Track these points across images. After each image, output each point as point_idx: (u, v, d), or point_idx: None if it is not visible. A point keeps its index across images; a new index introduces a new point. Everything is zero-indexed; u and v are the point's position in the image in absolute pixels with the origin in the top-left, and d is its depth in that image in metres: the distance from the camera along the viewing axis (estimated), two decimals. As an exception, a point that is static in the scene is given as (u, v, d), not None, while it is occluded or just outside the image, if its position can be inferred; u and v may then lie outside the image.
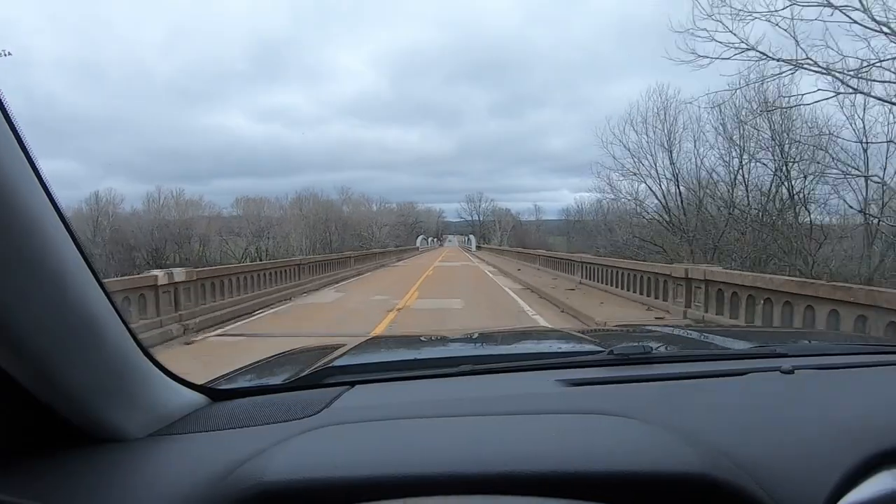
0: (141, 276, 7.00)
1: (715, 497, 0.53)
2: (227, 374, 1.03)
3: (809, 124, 12.37)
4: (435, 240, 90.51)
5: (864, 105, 10.99)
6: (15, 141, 0.48)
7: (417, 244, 60.39)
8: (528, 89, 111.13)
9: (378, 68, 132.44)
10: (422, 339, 1.38)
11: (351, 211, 54.16)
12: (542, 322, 7.84)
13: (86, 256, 0.56)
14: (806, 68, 8.60)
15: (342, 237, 45.21)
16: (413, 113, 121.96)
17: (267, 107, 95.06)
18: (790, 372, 0.82)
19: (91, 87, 59.53)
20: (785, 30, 8.37)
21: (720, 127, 14.99)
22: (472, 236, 64.66)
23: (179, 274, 7.28)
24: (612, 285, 10.59)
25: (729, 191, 15.46)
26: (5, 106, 0.47)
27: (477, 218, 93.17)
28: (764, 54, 8.91)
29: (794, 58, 8.57)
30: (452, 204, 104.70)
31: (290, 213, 47.00)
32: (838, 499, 0.55)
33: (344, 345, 1.18)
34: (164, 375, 0.72)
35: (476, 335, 1.38)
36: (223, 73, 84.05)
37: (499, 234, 60.87)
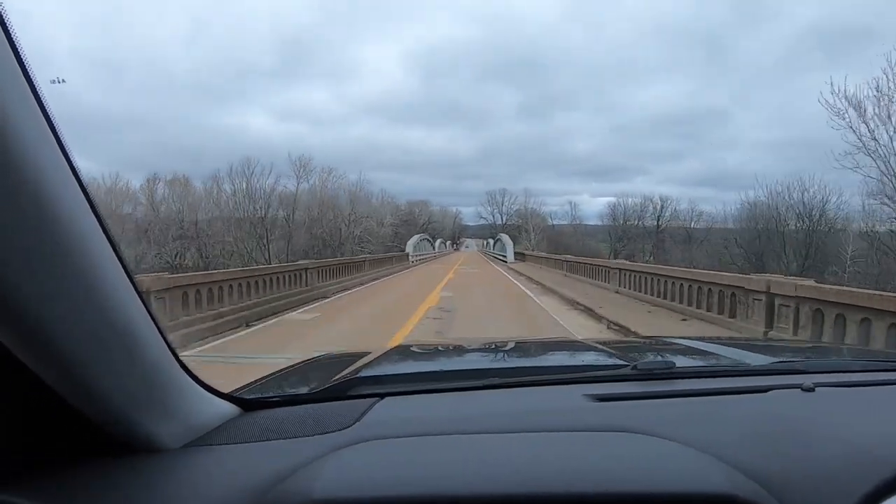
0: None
1: None
2: (255, 382, 1.04)
3: None
4: (450, 244, 78.81)
5: None
6: (57, 145, 0.47)
7: (409, 250, 36.24)
8: (557, 90, 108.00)
9: (407, 65, 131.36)
10: (449, 348, 1.43)
11: (330, 203, 38.49)
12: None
13: (123, 261, 0.56)
14: None
15: (291, 240, 33.62)
16: (439, 113, 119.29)
17: (289, 105, 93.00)
18: (811, 390, 0.82)
19: (109, 82, 59.30)
20: None
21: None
22: (505, 238, 42.30)
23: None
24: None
25: None
26: (42, 100, 0.46)
27: (499, 219, 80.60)
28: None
29: None
30: (470, 207, 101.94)
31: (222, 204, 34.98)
32: None
33: (369, 353, 1.18)
34: (196, 385, 0.72)
35: (502, 345, 1.39)
36: (246, 70, 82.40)
37: (533, 238, 47.55)
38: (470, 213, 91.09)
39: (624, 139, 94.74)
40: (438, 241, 63.71)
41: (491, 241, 60.49)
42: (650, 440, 0.67)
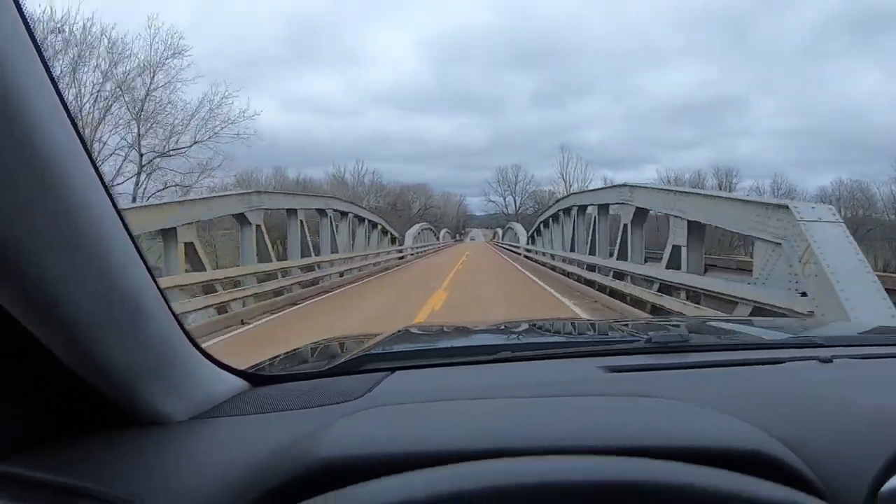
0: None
1: (769, 476, 0.50)
2: (266, 361, 1.02)
3: None
4: (444, 233, 66.71)
5: None
6: (65, 114, 0.47)
7: (408, 242, 26.74)
8: (572, 77, 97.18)
9: (420, 53, 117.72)
10: (459, 328, 1.41)
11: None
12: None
13: (131, 234, 0.56)
14: None
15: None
16: (452, 101, 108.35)
17: (296, 95, 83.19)
18: (829, 361, 0.81)
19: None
20: None
21: None
22: (518, 227, 32.53)
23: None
24: None
25: None
26: (52, 73, 0.46)
27: (512, 205, 65.77)
28: None
29: None
30: (476, 198, 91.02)
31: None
32: (881, 484, 0.53)
33: (379, 334, 1.16)
34: (205, 359, 0.71)
35: (513, 325, 1.38)
36: (254, 58, 73.48)
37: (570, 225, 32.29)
38: (477, 204, 78.94)
39: (637, 127, 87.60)
40: (444, 230, 53.41)
41: (500, 231, 49.52)
42: (669, 402, 0.67)
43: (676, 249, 6.82)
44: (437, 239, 44.26)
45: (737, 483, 0.45)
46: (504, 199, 69.20)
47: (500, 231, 50.22)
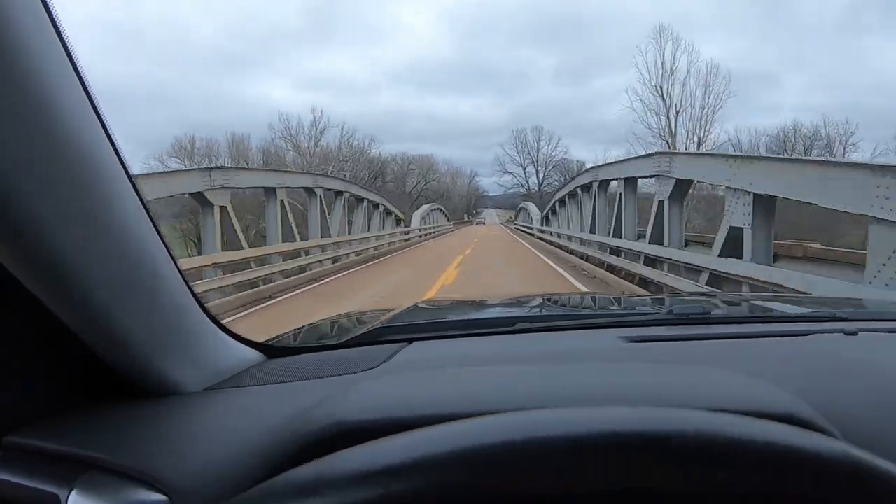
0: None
1: None
2: (283, 335, 1.00)
3: None
4: (464, 215, 59.42)
5: None
6: (83, 92, 0.47)
7: (415, 223, 25.32)
8: (597, 51, 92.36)
9: (442, 27, 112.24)
10: (475, 301, 1.39)
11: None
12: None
13: (146, 206, 0.55)
14: None
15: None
16: (471, 79, 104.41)
17: (316, 73, 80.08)
18: (854, 334, 0.79)
19: (127, 51, 51.18)
20: None
21: None
22: (531, 206, 30.75)
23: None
24: None
25: None
26: (62, 32, 0.45)
27: (532, 175, 54.07)
28: None
29: None
30: (491, 179, 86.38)
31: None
32: None
33: (394, 309, 1.12)
34: (220, 331, 0.70)
35: (533, 298, 1.38)
36: (270, 35, 71.11)
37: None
38: (491, 185, 70.78)
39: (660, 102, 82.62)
40: (424, 207, 50.10)
41: (523, 212, 38.30)
42: (697, 367, 0.65)
43: (735, 233, 5.30)
44: (448, 220, 42.24)
45: (782, 434, 0.41)
46: (524, 171, 57.50)
47: (520, 212, 43.73)
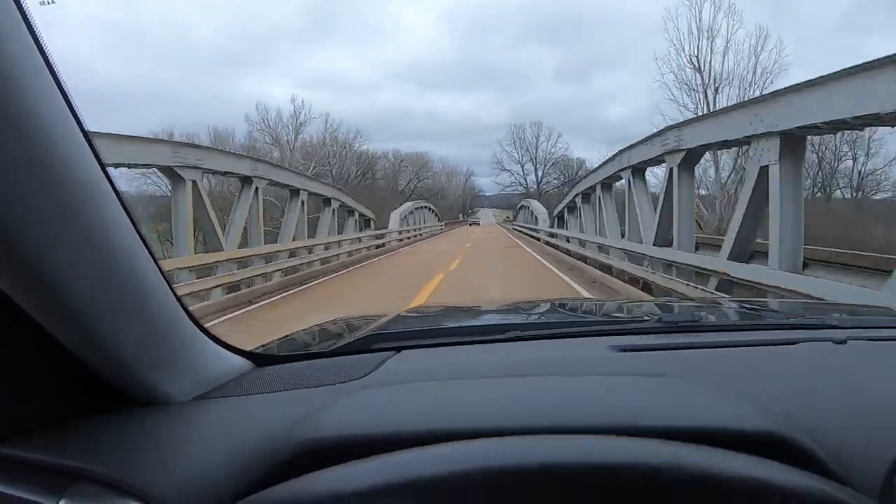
0: None
1: (782, 458, 0.50)
2: (271, 342, 1.01)
3: None
4: (459, 215, 54.22)
5: None
6: (61, 96, 0.46)
7: (392, 224, 22.67)
8: (598, 50, 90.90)
9: (442, 27, 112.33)
10: (468, 307, 1.40)
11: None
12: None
13: (132, 217, 0.56)
14: None
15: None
16: (471, 78, 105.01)
17: (316, 73, 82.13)
18: (843, 342, 0.79)
19: (127, 51, 53.26)
20: None
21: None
22: (535, 204, 27.50)
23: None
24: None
25: None
26: (43, 46, 0.45)
27: (532, 168, 52.06)
28: None
29: None
30: (488, 178, 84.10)
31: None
32: None
33: (385, 315, 1.14)
34: (209, 340, 0.71)
35: (523, 304, 1.37)
36: (270, 34, 73.28)
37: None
38: (488, 184, 69.01)
39: (660, 101, 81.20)
40: (404, 206, 47.05)
41: (524, 211, 34.34)
42: (680, 382, 0.66)
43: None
44: (439, 219, 39.37)
45: (748, 466, 0.43)
46: (522, 168, 55.63)
47: (518, 212, 40.77)
